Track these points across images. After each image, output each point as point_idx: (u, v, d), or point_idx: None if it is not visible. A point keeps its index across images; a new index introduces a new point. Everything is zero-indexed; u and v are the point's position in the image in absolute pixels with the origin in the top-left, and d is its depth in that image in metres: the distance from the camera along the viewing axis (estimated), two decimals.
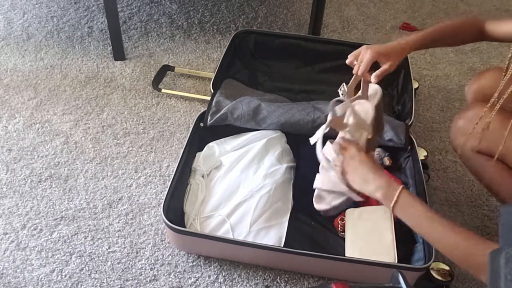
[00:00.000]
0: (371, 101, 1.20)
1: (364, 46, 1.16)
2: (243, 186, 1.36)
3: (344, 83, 1.17)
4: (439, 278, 1.22)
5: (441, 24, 1.24)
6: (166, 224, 1.22)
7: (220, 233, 1.27)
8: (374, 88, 1.23)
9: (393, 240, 1.25)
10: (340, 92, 1.16)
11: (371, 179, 1.01)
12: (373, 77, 1.13)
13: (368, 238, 1.27)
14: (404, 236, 1.28)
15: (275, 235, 1.27)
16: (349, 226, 1.30)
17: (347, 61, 1.17)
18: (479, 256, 0.84)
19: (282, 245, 1.25)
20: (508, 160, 1.19)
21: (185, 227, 1.28)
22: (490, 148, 1.21)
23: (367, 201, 1.40)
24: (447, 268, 1.25)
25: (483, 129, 1.17)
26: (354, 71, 1.15)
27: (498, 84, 1.11)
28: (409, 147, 1.48)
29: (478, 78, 1.33)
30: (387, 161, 1.48)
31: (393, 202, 0.98)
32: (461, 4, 2.43)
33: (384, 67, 1.14)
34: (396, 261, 1.20)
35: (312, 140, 1.12)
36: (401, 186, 0.99)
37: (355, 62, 1.15)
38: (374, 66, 1.17)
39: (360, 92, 1.20)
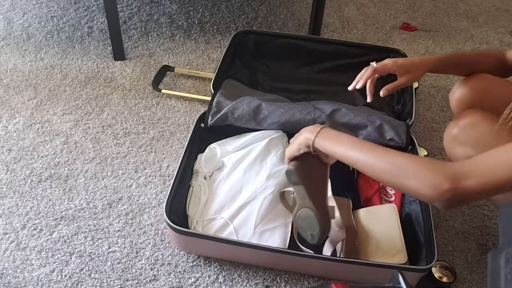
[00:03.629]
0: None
1: (387, 59, 1.19)
2: (246, 187, 1.35)
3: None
4: (442, 278, 1.22)
5: (462, 51, 1.22)
6: (168, 225, 1.22)
7: (224, 235, 1.26)
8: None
9: (401, 238, 1.24)
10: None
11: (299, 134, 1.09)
12: (382, 91, 1.16)
13: (378, 238, 1.26)
14: (406, 237, 1.27)
15: (279, 236, 1.27)
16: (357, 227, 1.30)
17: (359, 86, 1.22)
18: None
19: (286, 246, 1.25)
20: None
21: (186, 227, 1.28)
22: None
23: (370, 200, 1.40)
24: (449, 268, 1.24)
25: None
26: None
27: (482, 92, 1.09)
28: (410, 147, 1.48)
29: (460, 86, 1.27)
30: None
31: (316, 132, 1.02)
32: (461, 4, 2.43)
33: (401, 80, 1.16)
34: (406, 260, 1.20)
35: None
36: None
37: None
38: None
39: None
